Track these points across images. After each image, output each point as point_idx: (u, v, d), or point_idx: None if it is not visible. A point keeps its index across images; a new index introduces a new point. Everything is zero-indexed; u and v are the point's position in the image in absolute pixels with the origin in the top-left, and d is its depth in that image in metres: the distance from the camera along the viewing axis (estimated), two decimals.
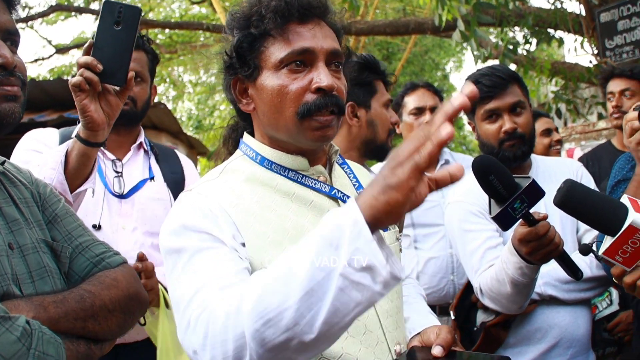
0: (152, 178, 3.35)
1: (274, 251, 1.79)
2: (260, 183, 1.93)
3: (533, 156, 3.38)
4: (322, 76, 1.84)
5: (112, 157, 3.26)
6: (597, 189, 3.27)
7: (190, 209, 1.81)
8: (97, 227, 3.08)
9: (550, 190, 3.00)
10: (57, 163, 2.53)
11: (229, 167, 2.01)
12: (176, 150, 3.71)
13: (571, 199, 2.02)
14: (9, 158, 2.32)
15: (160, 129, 12.58)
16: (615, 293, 4.08)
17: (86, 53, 2.33)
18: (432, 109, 4.41)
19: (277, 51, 1.86)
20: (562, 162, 3.53)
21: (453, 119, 1.33)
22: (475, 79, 3.20)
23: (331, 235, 1.38)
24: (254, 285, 1.47)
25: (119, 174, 3.23)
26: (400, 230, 3.18)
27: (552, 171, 3.30)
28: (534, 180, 2.24)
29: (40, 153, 2.86)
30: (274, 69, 1.86)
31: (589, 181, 3.30)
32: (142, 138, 3.43)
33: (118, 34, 2.28)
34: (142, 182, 3.30)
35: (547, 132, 5.68)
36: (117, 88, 2.41)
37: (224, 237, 1.73)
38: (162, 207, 3.28)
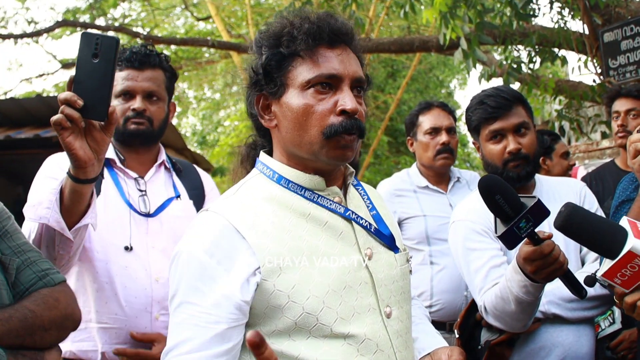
0: (178, 196, 3.34)
1: (286, 273, 1.83)
2: (277, 202, 1.97)
3: (537, 176, 3.40)
4: (347, 100, 1.90)
5: (134, 175, 3.24)
6: (600, 209, 3.29)
7: (204, 237, 1.87)
8: (129, 249, 3.05)
9: (554, 210, 3.03)
10: (51, 202, 2.52)
11: (246, 185, 2.05)
12: (194, 165, 3.71)
13: (571, 222, 2.05)
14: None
15: (165, 145, 12.48)
16: (617, 312, 4.09)
17: (68, 88, 2.27)
18: (448, 129, 4.47)
19: (305, 72, 1.92)
20: (566, 182, 3.55)
21: None
22: (480, 99, 3.24)
23: None
24: None
25: (144, 193, 3.22)
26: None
27: (556, 191, 3.31)
28: (539, 200, 2.27)
29: (54, 179, 2.82)
30: (301, 88, 1.92)
31: (592, 201, 3.32)
32: (163, 156, 3.43)
33: (97, 66, 2.20)
34: (168, 201, 3.28)
35: (566, 155, 5.71)
36: (102, 123, 2.31)
37: (226, 279, 1.82)
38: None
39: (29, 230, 2.62)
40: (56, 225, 2.52)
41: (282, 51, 1.94)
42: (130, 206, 3.13)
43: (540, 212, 2.25)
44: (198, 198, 3.43)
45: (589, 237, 2.02)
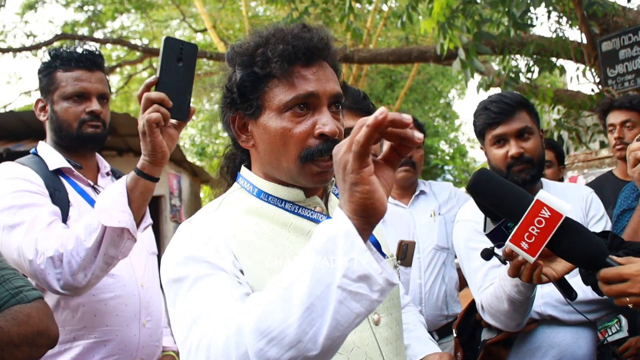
0: None
1: (271, 279, 1.80)
2: (258, 214, 1.94)
3: (544, 181, 3.41)
4: (325, 121, 1.85)
5: (90, 182, 3.12)
6: (607, 216, 3.29)
7: (190, 240, 1.82)
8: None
9: None
10: (125, 204, 2.57)
11: (227, 199, 2.02)
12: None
13: (478, 182, 2.02)
14: None
15: None
16: (624, 320, 4.08)
17: (147, 89, 2.37)
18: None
19: (281, 94, 1.86)
20: (573, 187, 3.57)
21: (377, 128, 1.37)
22: (484, 105, 3.27)
23: (325, 248, 1.40)
24: (253, 305, 1.49)
25: None
26: (410, 264, 3.20)
27: (563, 196, 3.28)
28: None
29: (37, 194, 2.82)
30: (277, 111, 1.86)
31: (598, 207, 3.31)
32: (105, 162, 3.34)
33: (181, 70, 2.36)
34: None
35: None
36: (175, 122, 2.49)
37: (224, 264, 1.74)
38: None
39: (75, 234, 2.61)
40: (131, 227, 2.57)
41: (257, 72, 1.89)
42: None
43: None
44: None
45: (496, 199, 2.00)
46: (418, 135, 1.41)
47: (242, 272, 1.78)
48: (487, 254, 2.34)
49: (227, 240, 1.82)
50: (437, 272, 4.23)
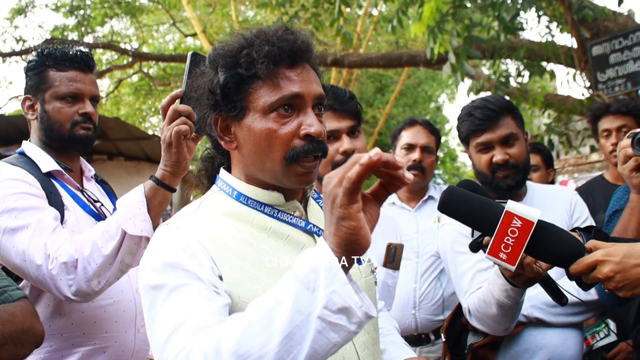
0: None
1: (250, 285, 1.80)
2: (237, 218, 1.94)
3: (529, 184, 3.42)
4: (310, 122, 1.87)
5: (78, 185, 3.10)
6: (591, 218, 3.31)
7: (168, 244, 1.81)
8: None
9: (543, 216, 2.98)
10: (145, 213, 2.60)
11: (206, 202, 2.01)
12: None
13: (448, 201, 2.03)
14: None
15: (155, 162, 12.58)
16: (612, 324, 4.08)
17: (172, 101, 2.44)
18: (423, 148, 4.44)
19: (266, 95, 1.86)
20: (557, 190, 3.58)
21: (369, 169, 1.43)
22: (468, 111, 3.26)
23: (308, 278, 1.44)
24: (234, 326, 1.49)
25: (101, 203, 3.11)
26: (398, 267, 3.18)
27: (547, 199, 3.34)
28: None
29: (37, 196, 2.77)
30: (262, 112, 1.86)
31: (582, 209, 3.33)
32: (89, 166, 3.31)
33: None
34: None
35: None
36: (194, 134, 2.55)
37: (202, 271, 1.74)
38: None
39: (92, 240, 2.61)
40: (150, 236, 2.58)
41: (241, 73, 1.88)
42: (98, 218, 3.01)
43: None
44: None
45: (467, 216, 2.01)
46: (408, 176, 1.47)
47: (220, 277, 1.78)
48: (474, 246, 2.34)
49: (205, 244, 1.81)
50: (433, 277, 4.24)
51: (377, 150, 1.41)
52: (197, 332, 1.57)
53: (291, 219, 1.98)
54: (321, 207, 2.18)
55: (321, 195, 2.24)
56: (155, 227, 2.66)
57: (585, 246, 2.02)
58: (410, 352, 2.37)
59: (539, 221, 1.91)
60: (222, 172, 2.08)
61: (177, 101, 2.45)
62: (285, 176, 1.90)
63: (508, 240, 1.92)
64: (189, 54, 2.42)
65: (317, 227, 2.02)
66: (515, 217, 1.91)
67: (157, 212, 2.64)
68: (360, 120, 3.18)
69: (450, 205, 2.04)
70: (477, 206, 1.97)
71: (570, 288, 2.38)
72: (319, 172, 1.99)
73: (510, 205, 1.92)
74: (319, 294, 1.41)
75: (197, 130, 2.50)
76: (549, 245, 1.96)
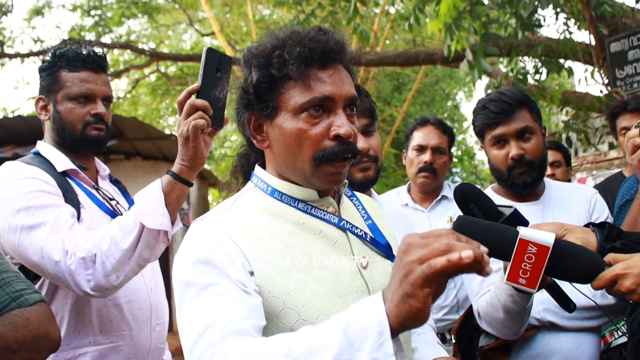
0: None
1: (281, 279, 1.83)
2: (271, 213, 1.97)
3: (547, 181, 3.36)
4: (340, 123, 1.89)
5: (93, 184, 3.12)
6: (611, 217, 3.25)
7: (201, 241, 1.84)
8: None
9: (562, 216, 2.93)
10: (163, 207, 2.62)
11: (241, 198, 2.05)
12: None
13: (461, 231, 2.02)
14: None
15: (172, 161, 12.53)
16: None
17: (189, 96, 2.45)
18: (435, 149, 4.41)
19: (297, 95, 1.89)
20: (576, 188, 3.47)
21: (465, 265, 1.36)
22: (483, 104, 3.21)
23: (355, 337, 1.41)
24: (275, 351, 1.49)
25: (116, 201, 3.14)
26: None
27: (565, 197, 3.26)
28: (516, 209, 2.24)
29: (53, 194, 2.79)
30: (293, 112, 1.90)
31: (602, 208, 3.25)
32: (104, 165, 3.33)
33: (218, 80, 2.46)
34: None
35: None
36: (209, 129, 2.55)
37: (233, 270, 1.76)
38: None
39: (110, 235, 2.63)
40: (169, 231, 2.64)
41: (273, 73, 1.91)
42: (114, 216, 3.02)
43: (517, 222, 2.21)
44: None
45: (481, 243, 2.00)
46: (488, 270, 1.42)
47: (252, 273, 1.80)
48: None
49: (238, 240, 1.85)
50: None
51: (469, 253, 1.35)
52: (228, 336, 1.59)
53: (324, 215, 2.01)
54: (354, 204, 2.21)
55: (355, 193, 2.28)
56: (173, 222, 2.69)
57: (605, 260, 2.00)
58: (441, 352, 2.34)
59: (555, 243, 1.90)
60: (257, 169, 2.11)
61: (193, 96, 2.46)
62: (314, 176, 1.93)
63: (526, 266, 1.90)
64: (204, 49, 2.44)
65: (349, 223, 2.04)
66: (529, 244, 1.89)
67: (175, 206, 2.66)
68: (375, 118, 3.19)
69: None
70: (489, 234, 1.95)
71: (585, 291, 2.36)
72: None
73: (524, 233, 1.89)
74: (361, 356, 1.39)
75: (214, 125, 2.53)
76: (567, 265, 1.93)
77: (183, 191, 2.66)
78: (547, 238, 1.88)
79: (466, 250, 1.35)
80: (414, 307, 1.37)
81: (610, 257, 2.02)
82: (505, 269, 2.00)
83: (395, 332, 1.40)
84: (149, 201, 2.62)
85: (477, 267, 1.38)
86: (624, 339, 3.97)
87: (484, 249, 1.41)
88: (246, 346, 1.54)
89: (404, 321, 1.39)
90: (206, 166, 23.41)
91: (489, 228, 1.94)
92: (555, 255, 1.89)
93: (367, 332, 1.39)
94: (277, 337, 1.57)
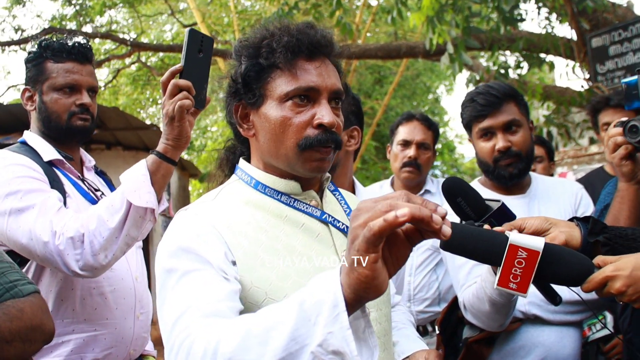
0: None
1: (263, 270, 1.84)
2: (254, 205, 2.00)
3: (533, 175, 3.40)
4: (324, 113, 1.93)
5: (78, 174, 3.13)
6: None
7: (184, 229, 1.87)
8: None
9: (548, 209, 2.94)
10: (149, 186, 2.65)
11: (225, 190, 2.08)
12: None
13: (450, 242, 2.02)
14: None
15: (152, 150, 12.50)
16: (609, 316, 4.07)
17: (172, 76, 2.49)
18: (419, 144, 4.42)
19: (283, 84, 1.94)
20: (562, 182, 3.51)
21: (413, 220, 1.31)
22: (471, 96, 3.24)
23: (311, 310, 1.38)
24: (237, 330, 1.48)
25: (102, 192, 3.15)
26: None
27: (552, 191, 3.30)
28: (503, 203, 2.26)
29: (41, 181, 2.81)
30: (279, 100, 1.94)
31: (588, 204, 3.30)
32: (89, 156, 3.34)
33: (200, 60, 2.52)
34: None
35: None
36: (193, 109, 2.58)
37: (214, 257, 1.78)
38: None
39: (97, 214, 2.64)
40: (155, 209, 2.66)
41: (261, 62, 1.97)
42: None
43: (504, 216, 2.24)
44: None
45: (471, 251, 2.00)
46: (446, 231, 1.36)
47: (234, 263, 1.82)
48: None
49: (221, 230, 1.87)
50: (428, 270, 4.23)
51: (406, 210, 1.29)
52: (205, 317, 1.59)
53: (307, 208, 2.04)
54: (337, 198, 2.25)
55: (337, 188, 2.31)
56: (159, 201, 2.72)
57: (594, 262, 2.02)
58: (422, 345, 2.39)
59: (545, 248, 1.91)
60: (242, 162, 2.15)
61: (177, 76, 2.49)
62: (299, 162, 1.96)
63: (516, 270, 1.90)
64: (187, 30, 2.47)
65: (331, 217, 2.07)
66: (520, 249, 1.90)
67: (161, 185, 2.69)
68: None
69: (452, 244, 2.02)
70: (479, 240, 1.94)
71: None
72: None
73: (514, 238, 1.90)
74: (317, 330, 1.36)
75: (197, 105, 2.56)
76: (557, 269, 1.94)
77: (168, 170, 2.68)
78: (537, 243, 1.89)
79: (402, 209, 1.28)
80: (362, 275, 1.33)
81: (599, 259, 2.04)
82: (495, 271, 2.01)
83: (352, 304, 1.37)
84: (136, 180, 2.63)
85: (427, 227, 1.33)
86: (601, 333, 4.00)
87: (441, 210, 1.37)
88: (213, 327, 1.54)
89: (357, 291, 1.35)
90: (186, 157, 23.37)
91: (478, 234, 1.94)
92: (545, 260, 1.90)
93: (321, 305, 1.37)
94: (241, 316, 1.57)
